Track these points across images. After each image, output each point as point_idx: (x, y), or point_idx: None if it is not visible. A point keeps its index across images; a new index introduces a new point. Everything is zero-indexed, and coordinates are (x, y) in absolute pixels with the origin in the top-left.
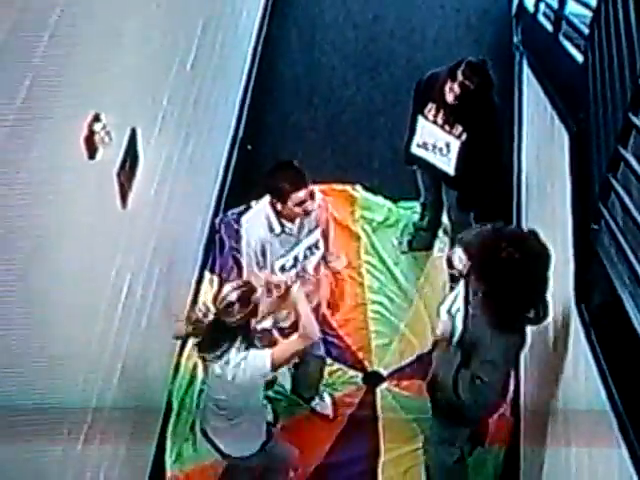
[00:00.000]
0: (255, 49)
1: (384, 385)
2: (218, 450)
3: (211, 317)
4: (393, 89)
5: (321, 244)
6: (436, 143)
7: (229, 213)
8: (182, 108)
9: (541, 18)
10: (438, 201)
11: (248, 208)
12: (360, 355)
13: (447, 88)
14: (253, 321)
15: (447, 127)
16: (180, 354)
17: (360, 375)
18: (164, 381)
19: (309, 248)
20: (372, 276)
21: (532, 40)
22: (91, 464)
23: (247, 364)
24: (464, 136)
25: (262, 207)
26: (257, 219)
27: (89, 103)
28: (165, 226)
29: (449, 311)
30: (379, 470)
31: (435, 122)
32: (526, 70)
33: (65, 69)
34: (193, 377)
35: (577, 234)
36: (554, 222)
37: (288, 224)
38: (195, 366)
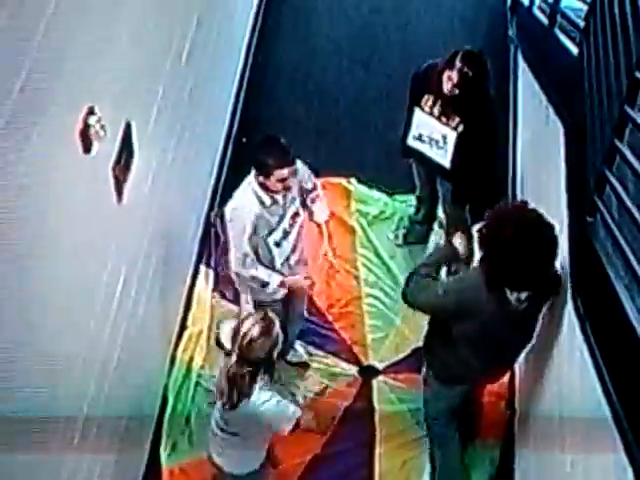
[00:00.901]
0: (250, 42)
1: (380, 377)
2: (219, 469)
3: (235, 357)
4: (388, 81)
5: (301, 210)
6: (432, 135)
7: (224, 207)
8: (177, 101)
9: (536, 11)
10: (434, 194)
11: None
12: (355, 349)
13: (445, 77)
14: (275, 352)
15: (444, 119)
16: (176, 347)
17: (356, 368)
18: (160, 374)
19: (292, 217)
20: (368, 270)
21: (527, 33)
22: (87, 458)
23: (273, 408)
24: (460, 127)
25: (247, 185)
26: (246, 198)
27: (84, 97)
28: (160, 220)
29: None
30: (376, 461)
31: (432, 114)
32: (521, 63)
33: (60, 63)
34: (189, 370)
35: (573, 227)
36: (549, 215)
37: (276, 195)
38: (191, 359)
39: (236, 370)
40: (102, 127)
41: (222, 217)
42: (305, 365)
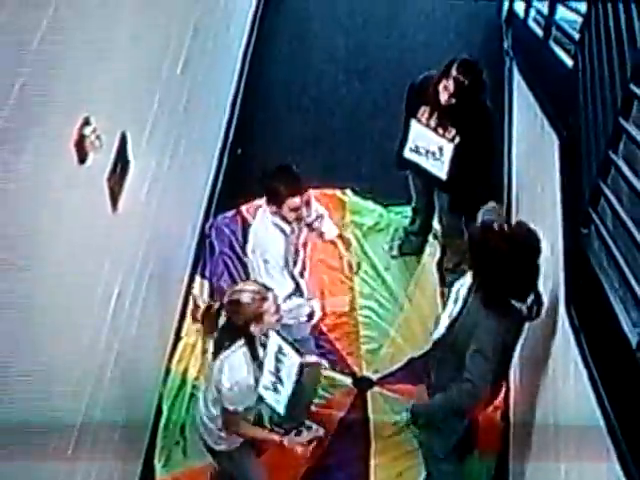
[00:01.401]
0: (245, 53)
1: (375, 389)
2: (209, 449)
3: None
4: (383, 93)
5: (308, 240)
6: (429, 147)
7: (219, 217)
8: (172, 112)
9: (531, 23)
10: (429, 206)
11: (238, 213)
12: (350, 360)
13: (441, 87)
14: (256, 328)
15: (440, 130)
16: (170, 358)
17: (350, 380)
18: (154, 385)
19: (303, 246)
20: (362, 281)
21: (522, 45)
22: (81, 468)
23: (232, 374)
24: (457, 139)
25: (264, 218)
26: (269, 231)
27: (79, 107)
28: (156, 230)
29: (450, 315)
30: (371, 473)
31: (428, 125)
32: (516, 75)
33: (55, 73)
34: (183, 381)
35: (567, 238)
36: (544, 227)
37: (293, 223)
38: (185, 370)
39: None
40: (97, 137)
41: (217, 229)
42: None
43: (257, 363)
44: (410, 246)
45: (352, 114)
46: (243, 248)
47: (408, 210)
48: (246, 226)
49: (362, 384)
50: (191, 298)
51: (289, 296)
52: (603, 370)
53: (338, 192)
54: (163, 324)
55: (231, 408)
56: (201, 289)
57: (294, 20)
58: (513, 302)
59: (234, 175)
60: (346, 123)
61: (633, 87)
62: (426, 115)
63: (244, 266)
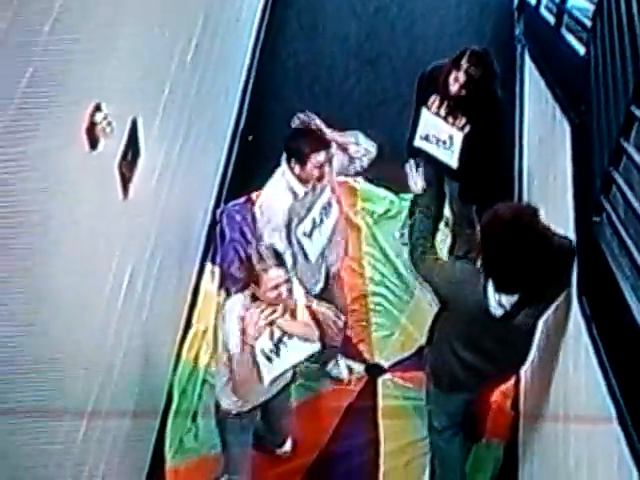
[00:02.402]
0: (256, 40)
1: (386, 376)
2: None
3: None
4: (394, 81)
5: (333, 202)
6: (439, 135)
7: (230, 204)
8: (183, 98)
9: (543, 11)
10: (440, 194)
11: (249, 199)
12: (361, 347)
13: (452, 78)
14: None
15: (450, 119)
16: (181, 345)
17: (362, 366)
18: (165, 372)
19: (324, 208)
20: (373, 268)
21: (534, 32)
22: (91, 455)
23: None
24: (467, 128)
25: (280, 177)
26: (279, 191)
27: (90, 93)
28: (166, 217)
29: None
30: (380, 461)
31: (438, 114)
32: (528, 62)
33: (66, 60)
34: (194, 368)
35: (579, 227)
36: (555, 215)
37: (309, 185)
38: (196, 357)
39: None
40: (109, 124)
41: (228, 215)
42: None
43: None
44: None
45: (363, 102)
46: (254, 235)
47: None
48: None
49: (373, 371)
50: None
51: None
52: (614, 358)
53: (350, 179)
54: (174, 311)
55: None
56: (212, 276)
57: (305, 8)
58: (490, 286)
59: (245, 162)
60: (357, 111)
61: None
62: (437, 104)
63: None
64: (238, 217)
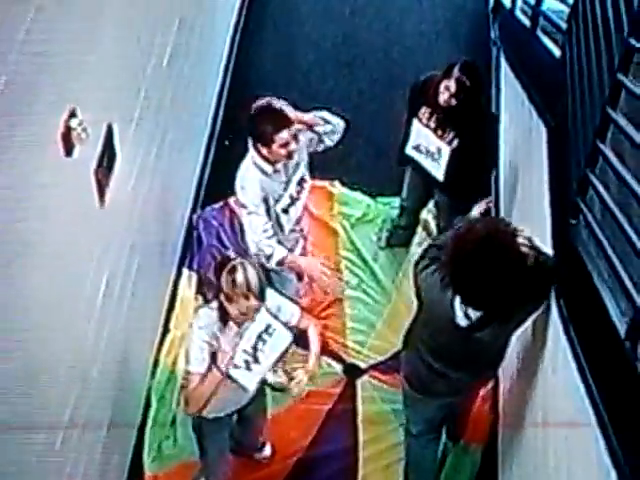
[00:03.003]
0: (232, 44)
1: (364, 377)
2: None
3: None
4: (371, 83)
5: (307, 176)
6: (428, 147)
7: (207, 209)
8: (159, 104)
9: (518, 13)
10: (420, 200)
11: (226, 205)
12: (338, 351)
13: (442, 87)
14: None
15: (439, 132)
16: (159, 351)
17: (340, 367)
18: (143, 378)
19: (299, 183)
20: (350, 272)
21: (509, 35)
22: (69, 463)
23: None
24: (455, 142)
25: (248, 159)
26: (248, 171)
27: (65, 99)
28: (143, 223)
29: None
30: (360, 465)
31: (428, 126)
32: (504, 65)
33: (41, 65)
34: (172, 374)
35: (555, 229)
36: (532, 218)
37: (277, 165)
38: (174, 362)
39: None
40: (84, 130)
41: (205, 221)
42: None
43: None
44: (398, 238)
45: (340, 104)
46: (231, 240)
47: (396, 201)
48: (234, 218)
49: (352, 372)
50: None
51: (264, 230)
52: (592, 360)
53: (326, 183)
54: (151, 316)
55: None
56: (189, 281)
57: (281, 11)
58: (456, 298)
59: (222, 167)
60: (334, 113)
61: (620, 76)
62: (427, 115)
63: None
64: (215, 222)
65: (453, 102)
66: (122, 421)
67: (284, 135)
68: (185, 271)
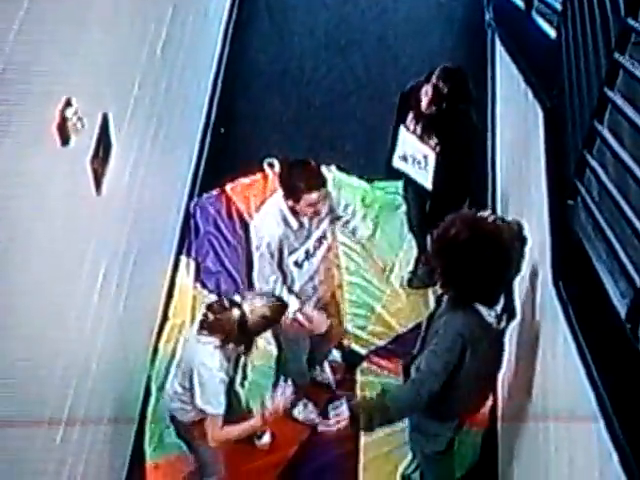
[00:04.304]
0: (226, 32)
1: (364, 364)
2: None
3: (236, 314)
4: (365, 69)
5: (329, 234)
6: (415, 155)
7: (204, 197)
8: (154, 92)
9: None
10: (423, 218)
11: (223, 192)
12: (337, 336)
13: (422, 93)
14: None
15: (425, 138)
16: (158, 338)
17: (339, 353)
18: (142, 366)
19: (318, 240)
20: (348, 258)
21: (504, 17)
22: (71, 453)
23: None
24: (438, 148)
25: (275, 203)
26: (272, 216)
27: (60, 89)
28: (140, 211)
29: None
30: (361, 451)
31: (414, 132)
32: (499, 47)
33: (35, 56)
34: (172, 362)
35: (553, 211)
36: (530, 201)
37: (303, 218)
38: (174, 350)
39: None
40: (79, 119)
41: (202, 208)
42: (329, 388)
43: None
44: (420, 279)
45: (334, 91)
46: (228, 227)
47: (393, 186)
48: (230, 205)
49: (351, 358)
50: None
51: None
52: (592, 343)
53: (323, 169)
54: (150, 305)
55: (210, 410)
56: (187, 269)
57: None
58: (479, 307)
59: (217, 154)
60: (328, 100)
61: (618, 56)
62: (413, 122)
63: (229, 245)
64: (212, 209)
65: (433, 109)
66: (123, 411)
67: (314, 196)
68: (183, 258)
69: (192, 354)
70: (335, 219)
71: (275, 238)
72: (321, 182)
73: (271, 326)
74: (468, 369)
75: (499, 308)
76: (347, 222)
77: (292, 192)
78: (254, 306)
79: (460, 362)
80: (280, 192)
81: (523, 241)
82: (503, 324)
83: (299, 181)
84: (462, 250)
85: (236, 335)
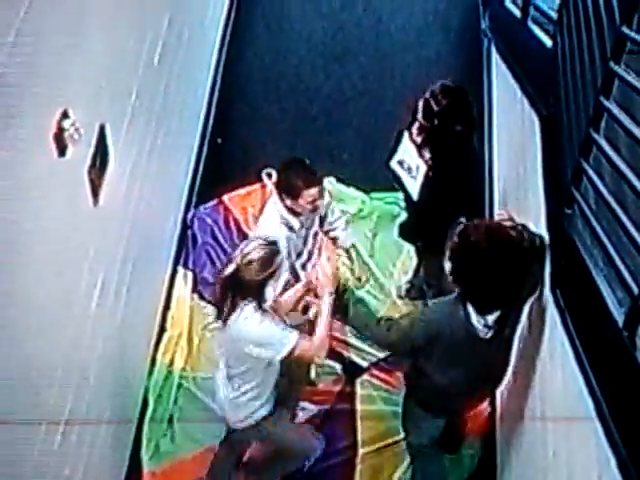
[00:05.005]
0: (222, 40)
1: (364, 376)
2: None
3: (231, 269)
4: (362, 77)
5: (319, 230)
6: (410, 163)
7: (201, 208)
8: (151, 102)
9: (508, 4)
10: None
11: (220, 202)
12: (338, 348)
13: (419, 106)
14: (269, 289)
15: (422, 150)
16: (156, 349)
17: (339, 366)
18: (140, 377)
19: (314, 237)
20: (347, 268)
21: (500, 26)
22: (69, 462)
23: (259, 328)
24: (429, 163)
25: (273, 208)
26: (274, 221)
27: (57, 100)
28: (137, 222)
29: None
30: (357, 461)
31: (414, 141)
32: (495, 56)
33: (32, 66)
34: (170, 372)
35: (550, 219)
36: (527, 208)
37: (302, 218)
38: (171, 362)
39: (228, 282)
40: (76, 130)
41: (199, 219)
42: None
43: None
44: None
45: (331, 99)
46: (226, 238)
47: (391, 196)
48: (228, 215)
49: (351, 370)
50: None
51: (285, 288)
52: (590, 350)
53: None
54: (147, 316)
55: (278, 357)
56: (184, 280)
57: (271, 7)
58: (471, 310)
59: (215, 165)
60: (325, 109)
61: (613, 65)
62: (416, 131)
63: (227, 255)
64: (209, 220)
65: (425, 122)
66: (121, 418)
67: (313, 192)
68: (180, 270)
69: (234, 340)
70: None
71: (283, 241)
72: (318, 178)
73: (267, 270)
74: (442, 363)
75: (491, 319)
76: (329, 231)
77: (291, 190)
78: (244, 254)
79: (429, 349)
80: (275, 197)
81: (541, 256)
82: (490, 334)
83: (297, 178)
84: (479, 258)
85: (240, 290)
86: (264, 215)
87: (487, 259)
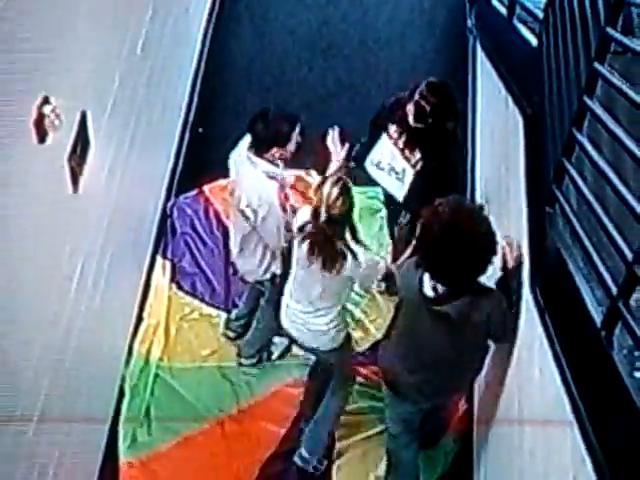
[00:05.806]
0: (206, 31)
1: None
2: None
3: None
4: (346, 71)
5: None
6: (394, 166)
7: (181, 197)
8: (133, 91)
9: (495, 2)
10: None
11: (200, 192)
12: None
13: (408, 108)
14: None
15: (406, 152)
16: (133, 338)
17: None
18: (116, 366)
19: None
20: None
21: (486, 24)
22: (43, 451)
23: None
24: (419, 166)
25: (251, 165)
26: (262, 181)
27: (38, 86)
28: (117, 211)
29: None
30: (334, 457)
31: (397, 144)
32: (480, 54)
33: (13, 52)
34: (146, 362)
35: (531, 217)
36: (509, 207)
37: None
38: (148, 351)
39: (330, 231)
40: (57, 117)
41: (179, 209)
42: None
43: None
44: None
45: (314, 92)
46: (205, 229)
47: (372, 190)
48: (208, 206)
49: None
50: None
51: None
52: (567, 349)
53: (303, 173)
54: (125, 305)
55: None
56: (163, 270)
57: None
58: (425, 277)
59: (196, 155)
60: (309, 102)
61: (597, 65)
62: (396, 135)
63: (205, 246)
64: (189, 210)
65: (419, 125)
66: (96, 409)
67: (298, 129)
68: (159, 259)
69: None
70: None
71: (275, 197)
72: (294, 115)
73: (346, 200)
74: (399, 329)
75: (440, 287)
76: None
77: (282, 138)
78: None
79: (396, 312)
80: (258, 161)
81: (486, 221)
82: (431, 293)
83: (283, 124)
84: (440, 233)
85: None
86: (242, 174)
87: (450, 243)
